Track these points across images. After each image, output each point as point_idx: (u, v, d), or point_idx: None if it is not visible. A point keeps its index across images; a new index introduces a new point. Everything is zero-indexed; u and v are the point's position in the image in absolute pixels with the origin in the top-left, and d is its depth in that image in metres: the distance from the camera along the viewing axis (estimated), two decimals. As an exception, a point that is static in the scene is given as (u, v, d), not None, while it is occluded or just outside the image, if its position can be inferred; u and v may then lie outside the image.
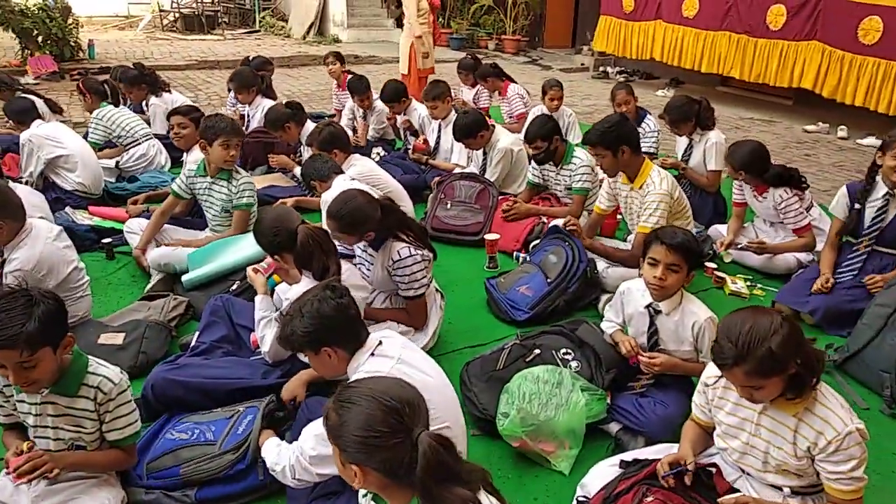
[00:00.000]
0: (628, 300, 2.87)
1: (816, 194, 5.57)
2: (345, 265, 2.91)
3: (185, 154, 4.54)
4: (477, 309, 3.85)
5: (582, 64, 12.74)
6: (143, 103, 6.28)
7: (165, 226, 4.05)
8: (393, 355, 2.11)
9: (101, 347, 3.00)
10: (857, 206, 3.66)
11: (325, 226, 3.10)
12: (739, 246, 4.31)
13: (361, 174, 4.18)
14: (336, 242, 2.93)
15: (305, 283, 2.77)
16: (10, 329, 1.84)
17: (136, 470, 2.33)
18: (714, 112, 5.03)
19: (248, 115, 6.10)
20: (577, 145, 4.76)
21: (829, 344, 3.42)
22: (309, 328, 2.08)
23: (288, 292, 2.88)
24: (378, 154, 6.05)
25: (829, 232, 3.91)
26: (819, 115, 8.48)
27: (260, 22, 15.35)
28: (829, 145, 7.77)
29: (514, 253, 4.44)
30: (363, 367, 2.08)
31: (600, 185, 4.51)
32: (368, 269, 3.21)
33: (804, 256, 4.23)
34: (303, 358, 2.46)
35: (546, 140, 4.42)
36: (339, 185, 3.74)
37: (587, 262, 3.68)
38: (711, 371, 2.23)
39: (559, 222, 4.08)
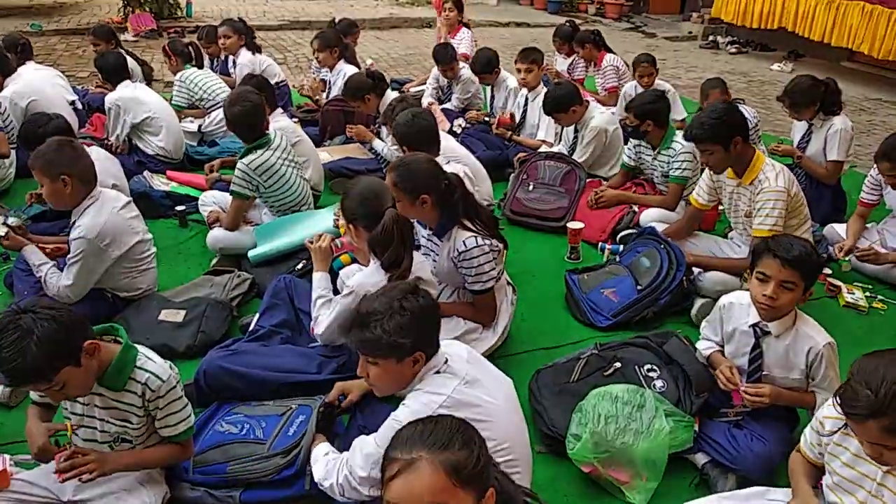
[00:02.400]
0: (729, 316, 2.51)
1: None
2: (416, 257, 2.69)
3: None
4: (553, 305, 3.55)
5: (690, 32, 11.85)
6: (232, 62, 6.24)
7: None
8: (459, 374, 1.89)
9: (161, 324, 2.94)
10: None
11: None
12: (856, 253, 3.78)
13: (441, 150, 3.92)
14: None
15: (373, 270, 2.56)
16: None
17: (183, 462, 2.22)
18: (841, 95, 4.42)
19: (330, 82, 5.94)
20: (677, 127, 4.32)
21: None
22: (403, 333, 1.81)
23: (350, 279, 2.69)
24: (460, 126, 5.78)
25: None
26: (959, 97, 7.51)
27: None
28: (971, 133, 6.84)
29: (600, 244, 4.09)
30: (426, 386, 1.88)
31: (701, 174, 4.08)
32: (434, 260, 2.97)
33: (938, 268, 3.67)
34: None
35: (639, 118, 4.05)
36: None
37: (684, 271, 3.29)
38: (830, 412, 1.88)
39: (658, 227, 3.68)
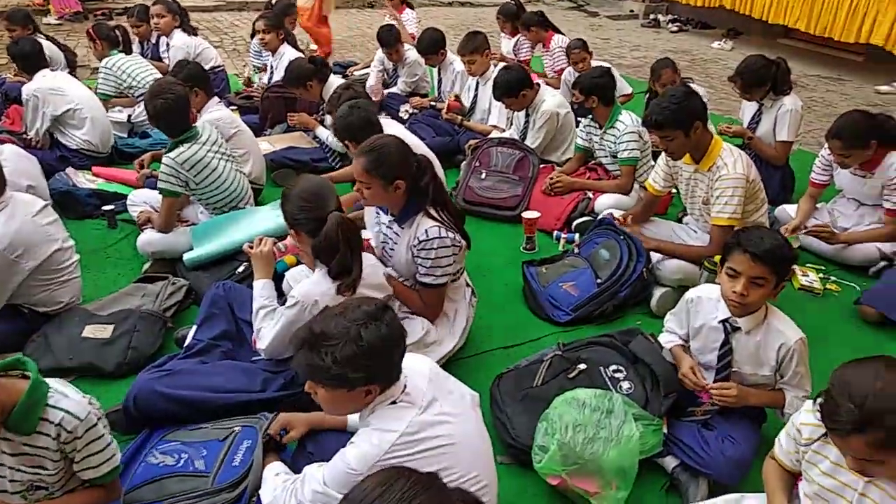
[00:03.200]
0: (696, 311, 2.41)
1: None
2: (369, 260, 2.49)
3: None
4: (511, 300, 3.42)
5: (631, 11, 11.84)
6: (165, 44, 5.85)
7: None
8: (417, 403, 1.71)
9: (86, 342, 2.67)
10: None
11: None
12: (806, 230, 3.76)
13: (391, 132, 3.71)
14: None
15: (319, 277, 2.36)
16: None
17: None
18: (790, 75, 4.40)
19: (272, 66, 5.62)
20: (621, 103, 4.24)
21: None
22: (356, 366, 1.60)
23: (295, 288, 2.48)
24: (407, 112, 5.58)
25: None
26: (894, 73, 7.66)
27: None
28: (904, 109, 7.00)
29: (555, 233, 3.97)
30: (378, 421, 1.68)
31: (653, 157, 4.01)
32: (392, 249, 2.78)
33: (888, 247, 3.68)
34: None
35: (585, 94, 4.00)
36: None
37: (645, 262, 3.19)
38: (808, 418, 1.79)
39: (617, 213, 3.58)
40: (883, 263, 3.67)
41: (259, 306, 2.49)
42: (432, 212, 2.63)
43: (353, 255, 2.31)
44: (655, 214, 3.86)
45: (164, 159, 3.28)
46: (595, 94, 3.98)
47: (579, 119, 4.52)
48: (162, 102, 3.23)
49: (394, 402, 1.71)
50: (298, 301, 2.30)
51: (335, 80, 4.63)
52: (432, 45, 5.33)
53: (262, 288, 2.54)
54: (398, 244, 2.72)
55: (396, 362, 1.71)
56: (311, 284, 2.36)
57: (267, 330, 2.41)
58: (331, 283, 2.30)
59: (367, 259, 2.47)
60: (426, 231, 2.58)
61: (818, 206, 4.01)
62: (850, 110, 3.58)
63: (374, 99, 5.76)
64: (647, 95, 5.26)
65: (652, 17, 11.27)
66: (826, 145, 3.74)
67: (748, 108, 4.62)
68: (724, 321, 2.29)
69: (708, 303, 2.37)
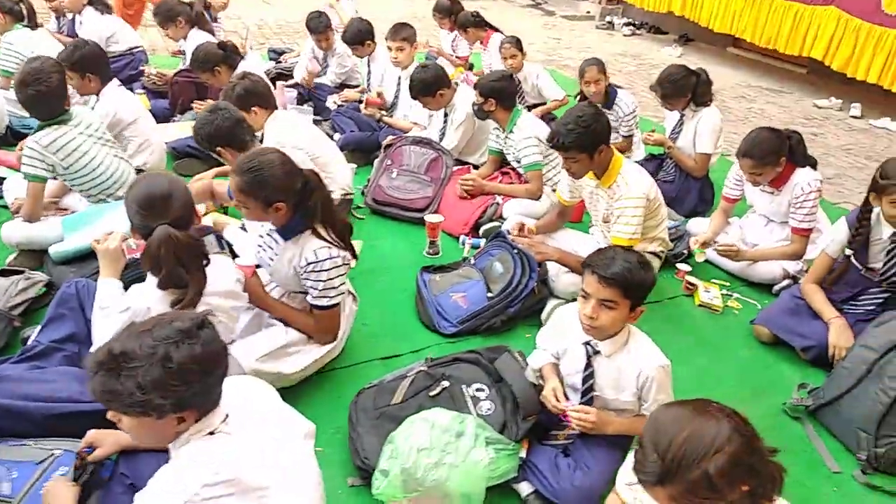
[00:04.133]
0: (563, 330, 2.32)
1: (818, 184, 4.96)
2: (217, 262, 2.33)
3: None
4: (402, 306, 3.29)
5: (588, 12, 11.80)
6: (78, 22, 5.56)
7: None
8: (236, 436, 1.55)
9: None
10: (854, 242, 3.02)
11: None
12: (717, 247, 3.72)
13: (283, 132, 3.54)
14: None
15: (151, 283, 2.20)
16: None
17: None
18: (712, 86, 4.35)
19: (185, 51, 5.38)
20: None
21: (802, 384, 2.90)
22: (163, 391, 1.42)
23: (128, 292, 2.31)
24: (335, 103, 5.40)
25: (814, 270, 3.19)
26: (833, 88, 7.74)
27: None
28: (839, 124, 7.07)
29: (461, 237, 3.86)
30: (187, 456, 1.51)
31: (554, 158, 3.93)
32: (271, 259, 2.63)
33: (791, 265, 3.65)
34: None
35: (483, 96, 3.91)
36: None
37: (536, 278, 3.10)
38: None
39: (527, 221, 3.52)
40: (786, 282, 3.64)
41: (99, 307, 2.31)
42: (320, 230, 2.49)
43: (188, 270, 2.14)
44: (571, 223, 3.80)
45: (27, 141, 3.07)
46: (493, 97, 3.89)
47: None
48: (33, 93, 3.05)
49: (211, 433, 1.54)
50: (129, 308, 2.14)
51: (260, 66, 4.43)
52: (356, 35, 5.16)
53: (106, 287, 2.36)
54: (279, 255, 2.57)
55: (214, 387, 1.53)
56: (142, 289, 2.19)
57: (101, 335, 2.23)
58: (163, 292, 2.14)
59: (218, 263, 2.32)
60: (315, 252, 2.44)
61: (730, 220, 3.97)
62: (757, 128, 3.53)
63: (307, 86, 5.58)
64: (578, 98, 5.18)
65: (608, 19, 11.24)
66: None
67: (670, 118, 4.57)
68: (586, 343, 2.21)
69: (575, 322, 2.28)
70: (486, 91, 3.90)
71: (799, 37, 7.63)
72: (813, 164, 3.59)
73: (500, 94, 3.88)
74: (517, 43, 5.33)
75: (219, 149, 3.10)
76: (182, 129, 4.62)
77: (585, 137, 2.99)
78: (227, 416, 1.58)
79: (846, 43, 7.11)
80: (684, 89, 4.26)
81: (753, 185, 3.68)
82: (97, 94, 3.81)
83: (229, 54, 4.33)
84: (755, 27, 8.14)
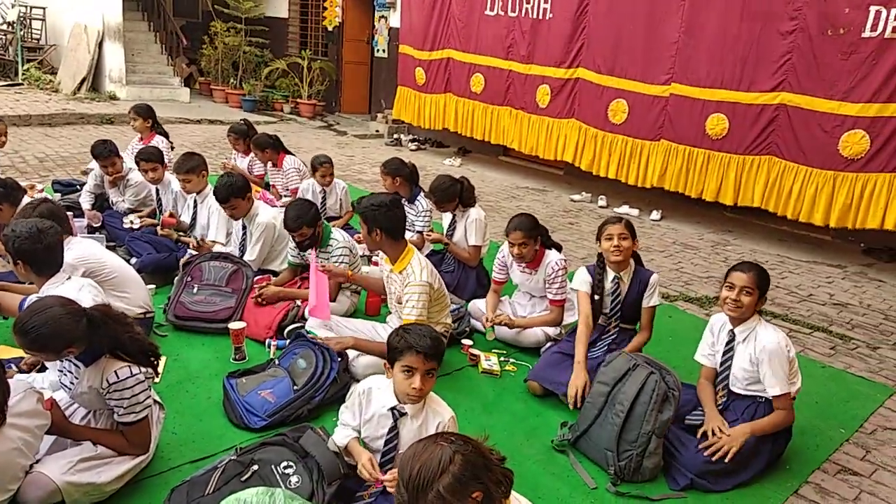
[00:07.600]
0: (368, 401, 2.70)
1: (575, 262, 5.94)
2: (19, 381, 2.40)
3: None
4: (211, 412, 3.44)
5: (377, 131, 12.92)
6: None
7: None
8: None
9: None
10: (595, 296, 3.83)
11: None
12: (491, 317, 4.35)
13: (80, 258, 3.63)
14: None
15: None
16: None
17: None
18: (475, 190, 5.19)
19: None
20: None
21: (564, 422, 3.49)
22: None
23: None
24: (132, 222, 5.46)
25: (580, 313, 3.92)
26: (584, 185, 9.24)
27: (23, 74, 13.76)
28: (590, 213, 8.44)
29: (266, 340, 4.12)
30: None
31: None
32: (71, 382, 2.70)
33: (552, 330, 4.38)
34: None
35: (311, 227, 4.27)
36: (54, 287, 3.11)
37: (338, 368, 3.48)
38: None
39: (315, 325, 3.94)
40: (549, 344, 4.34)
41: None
42: (119, 352, 2.63)
43: None
44: (369, 315, 4.23)
45: None
46: (311, 227, 4.27)
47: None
48: None
49: None
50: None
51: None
52: (148, 159, 5.34)
53: None
54: (80, 379, 2.66)
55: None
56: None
57: None
58: None
59: (19, 386, 2.40)
60: (116, 373, 2.57)
61: (502, 298, 4.67)
62: (519, 213, 4.31)
63: (94, 225, 5.59)
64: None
65: (395, 136, 12.38)
66: (501, 249, 4.42)
67: (446, 218, 5.31)
68: (392, 408, 2.60)
69: (378, 392, 2.68)
70: (308, 222, 4.24)
71: (553, 145, 9.13)
72: (558, 248, 4.43)
73: (319, 219, 4.37)
74: (331, 162, 6.07)
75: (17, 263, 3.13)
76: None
77: (368, 214, 3.67)
78: None
79: (588, 148, 8.67)
80: (452, 195, 5.06)
81: (519, 261, 4.39)
82: None
83: (10, 191, 4.30)
84: (520, 138, 9.58)
